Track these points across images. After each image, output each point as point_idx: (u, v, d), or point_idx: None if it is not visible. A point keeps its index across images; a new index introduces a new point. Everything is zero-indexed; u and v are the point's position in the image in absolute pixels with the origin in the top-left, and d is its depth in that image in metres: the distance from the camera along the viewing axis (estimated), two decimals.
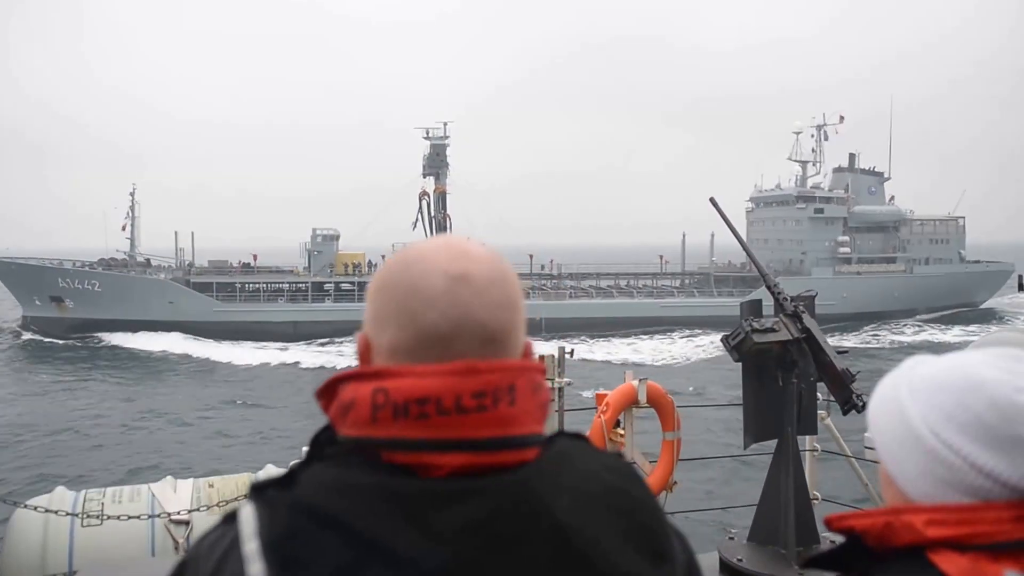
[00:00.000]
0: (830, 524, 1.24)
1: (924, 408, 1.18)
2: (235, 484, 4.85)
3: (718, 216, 4.78)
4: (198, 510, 4.62)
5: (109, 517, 4.47)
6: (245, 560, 0.92)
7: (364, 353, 1.08)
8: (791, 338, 4.05)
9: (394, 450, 0.98)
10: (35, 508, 4.49)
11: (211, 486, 4.82)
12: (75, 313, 46.11)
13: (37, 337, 45.91)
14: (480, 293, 1.03)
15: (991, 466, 1.12)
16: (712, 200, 4.78)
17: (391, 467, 0.97)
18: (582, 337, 43.39)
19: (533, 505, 0.98)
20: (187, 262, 50.85)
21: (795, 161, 58.62)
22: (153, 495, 4.66)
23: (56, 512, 4.45)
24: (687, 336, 46.88)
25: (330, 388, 1.05)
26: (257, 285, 49.67)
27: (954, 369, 1.19)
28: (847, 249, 55.46)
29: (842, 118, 58.08)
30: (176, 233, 51.75)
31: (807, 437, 5.16)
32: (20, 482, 18.70)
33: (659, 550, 1.05)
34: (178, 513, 4.57)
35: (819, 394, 4.55)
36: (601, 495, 1.04)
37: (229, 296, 47.96)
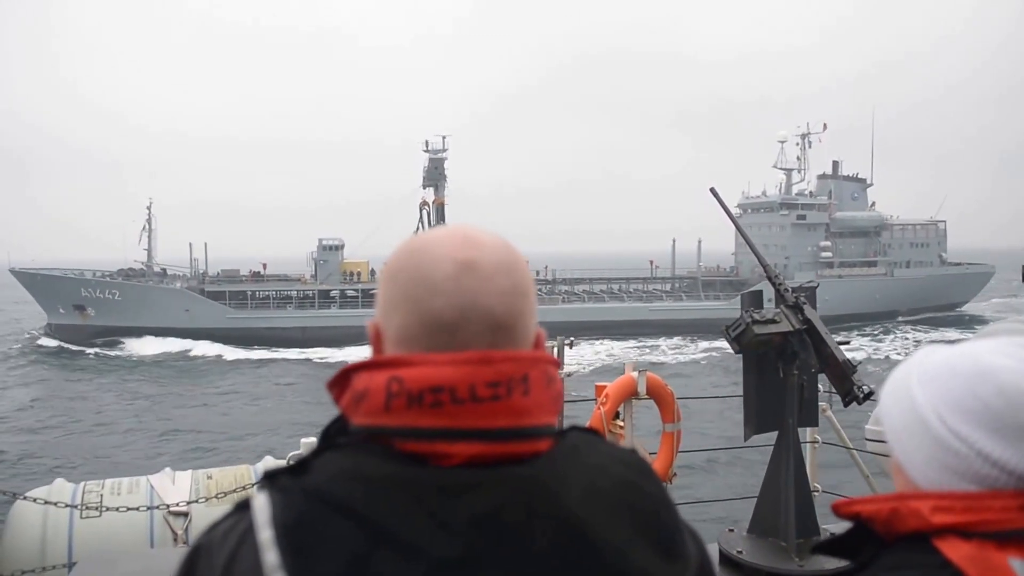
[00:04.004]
0: (837, 510, 1.19)
1: (933, 395, 1.14)
2: (234, 476, 4.70)
3: (714, 212, 4.61)
4: (197, 502, 4.47)
5: (108, 509, 4.34)
6: (260, 548, 0.88)
7: (375, 340, 1.03)
8: (792, 329, 3.89)
9: (407, 439, 0.93)
10: (34, 500, 4.34)
11: (209, 478, 4.67)
12: (97, 320, 46.72)
13: (62, 343, 46.37)
14: (487, 280, 0.97)
15: (998, 454, 1.07)
16: (712, 190, 4.61)
17: (404, 456, 0.93)
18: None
19: (544, 497, 0.93)
20: (201, 272, 51.19)
21: (780, 169, 58.92)
22: (152, 487, 4.52)
23: (55, 504, 4.32)
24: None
25: (343, 378, 1.00)
26: (267, 293, 50.27)
27: (964, 356, 1.14)
28: (829, 254, 55.83)
29: (825, 126, 58.58)
30: (191, 244, 52.19)
31: (808, 429, 4.99)
32: (20, 474, 18.59)
33: (671, 547, 1.00)
34: (177, 505, 4.42)
35: (820, 386, 4.39)
36: (613, 489, 0.99)
37: (241, 304, 48.61)
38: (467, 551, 0.88)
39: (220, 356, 43.20)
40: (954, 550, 1.05)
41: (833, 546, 1.21)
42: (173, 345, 44.22)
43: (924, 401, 1.14)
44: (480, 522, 0.89)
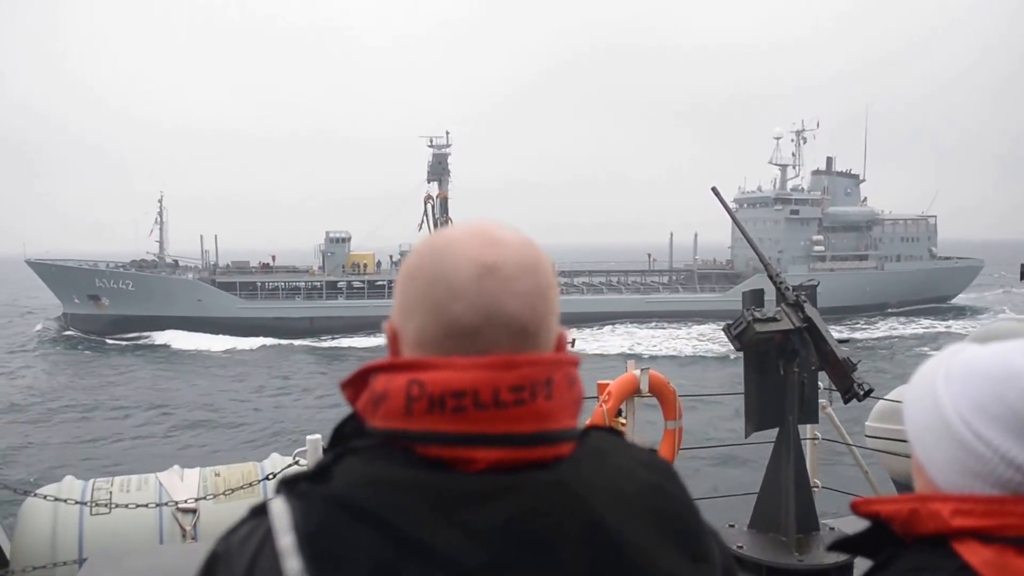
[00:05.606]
0: (856, 508, 1.15)
1: (957, 396, 1.08)
2: (240, 473, 4.66)
3: (710, 207, 4.56)
4: (205, 499, 4.42)
5: (117, 506, 4.30)
6: (281, 555, 0.84)
7: (392, 342, 0.99)
8: (793, 327, 3.84)
9: (429, 444, 0.89)
10: (44, 497, 4.30)
11: (217, 475, 4.63)
12: (111, 310, 46.92)
13: (77, 333, 46.67)
14: (509, 283, 0.92)
15: (1022, 459, 1.02)
16: (714, 189, 4.54)
17: (426, 461, 0.89)
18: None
19: (571, 503, 0.90)
20: (212, 263, 51.36)
21: (775, 165, 58.82)
22: (160, 484, 4.48)
23: (65, 501, 4.27)
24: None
25: (360, 378, 0.96)
26: (276, 284, 50.34)
27: (992, 358, 1.08)
28: (821, 248, 55.87)
29: (818, 123, 58.56)
30: (201, 236, 52.23)
31: (808, 426, 4.95)
32: (30, 471, 18.48)
33: (697, 549, 0.96)
34: (185, 501, 4.38)
35: (820, 383, 4.32)
36: (639, 492, 0.95)
37: (251, 294, 48.79)
38: (494, 559, 0.84)
39: (264, 346, 43.32)
40: (973, 554, 1.01)
41: (852, 544, 1.17)
42: (219, 342, 43.98)
43: (948, 402, 1.09)
44: (506, 529, 0.86)
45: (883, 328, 48.52)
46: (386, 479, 0.87)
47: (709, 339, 41.88)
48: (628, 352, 39.16)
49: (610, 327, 47.76)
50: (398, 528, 0.84)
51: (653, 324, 48.49)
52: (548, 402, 0.91)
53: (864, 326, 49.01)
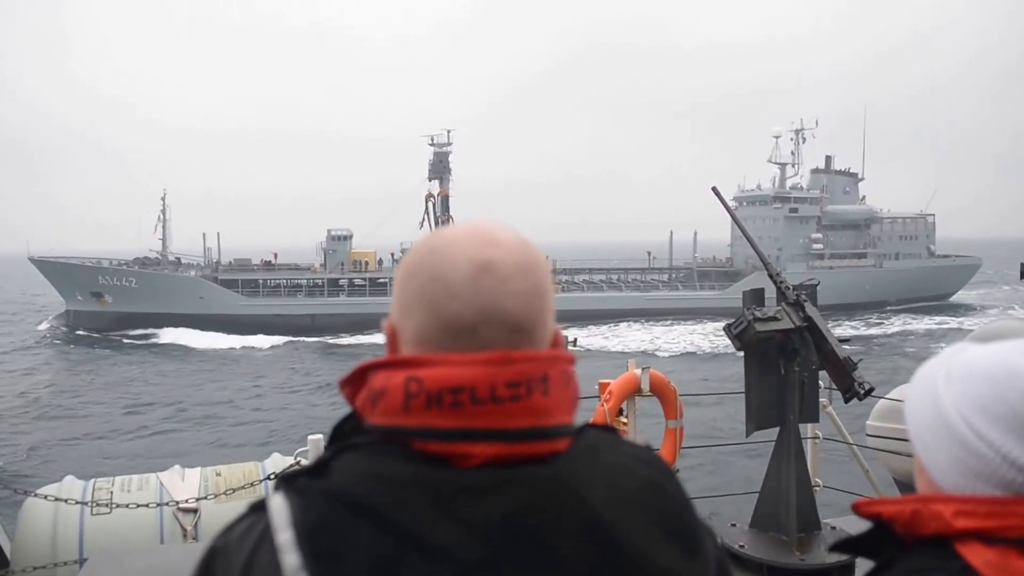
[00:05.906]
0: (858, 509, 1.13)
1: (958, 396, 1.06)
2: (242, 472, 4.64)
3: (710, 205, 4.53)
4: (206, 498, 4.40)
5: (118, 505, 4.28)
6: (279, 550, 0.84)
7: (391, 340, 0.99)
8: (793, 327, 3.83)
9: (427, 439, 0.89)
10: (45, 497, 4.28)
11: (218, 474, 4.60)
12: (114, 307, 46.96)
13: (89, 332, 46.47)
14: (505, 282, 0.93)
15: None
16: (714, 189, 4.51)
17: (423, 456, 0.89)
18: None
19: (567, 498, 0.90)
20: (214, 260, 51.38)
21: (774, 163, 58.77)
22: (161, 483, 4.45)
23: (66, 501, 4.25)
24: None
25: (358, 376, 0.96)
26: (278, 281, 50.45)
27: (993, 357, 1.06)
28: (820, 246, 55.84)
29: (817, 122, 58.57)
30: (204, 234, 52.27)
31: (809, 425, 4.91)
32: (31, 471, 18.39)
33: (692, 544, 0.96)
34: (186, 501, 4.36)
35: (821, 382, 4.28)
36: (635, 488, 0.96)
37: (253, 291, 48.84)
38: (493, 553, 0.84)
39: (274, 345, 43.10)
40: (976, 555, 1.00)
41: (854, 544, 1.16)
42: (231, 340, 43.70)
43: (949, 402, 1.07)
44: (505, 524, 0.86)
45: (896, 324, 48.61)
46: (385, 474, 0.87)
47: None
48: (648, 347, 39.29)
49: (626, 324, 47.80)
50: (397, 523, 0.84)
51: (669, 321, 48.50)
52: (544, 398, 0.91)
53: (877, 321, 49.24)
